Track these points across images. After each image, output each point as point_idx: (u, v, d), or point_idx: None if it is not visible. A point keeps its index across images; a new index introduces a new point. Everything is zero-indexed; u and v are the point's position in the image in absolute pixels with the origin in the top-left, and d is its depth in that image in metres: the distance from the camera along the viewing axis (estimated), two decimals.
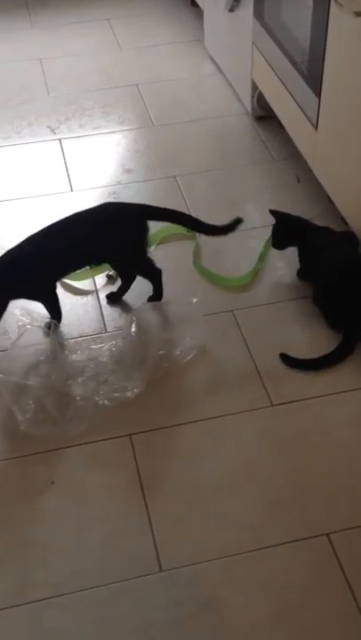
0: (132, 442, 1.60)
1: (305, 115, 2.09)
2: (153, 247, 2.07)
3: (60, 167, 2.42)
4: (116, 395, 1.66)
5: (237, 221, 1.85)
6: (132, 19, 3.24)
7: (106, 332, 1.85)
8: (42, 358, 1.73)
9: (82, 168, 2.42)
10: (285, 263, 1.99)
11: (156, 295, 1.89)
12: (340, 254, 1.84)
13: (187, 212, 2.11)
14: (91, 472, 1.56)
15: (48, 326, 1.78)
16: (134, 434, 1.61)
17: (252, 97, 2.53)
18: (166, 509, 1.48)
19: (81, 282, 1.97)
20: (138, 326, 1.76)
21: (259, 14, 2.30)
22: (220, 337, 1.83)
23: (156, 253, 2.06)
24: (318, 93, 1.96)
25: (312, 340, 1.81)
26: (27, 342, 1.75)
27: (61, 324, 1.83)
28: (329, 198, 2.09)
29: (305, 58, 2.04)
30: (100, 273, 2.00)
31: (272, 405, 1.67)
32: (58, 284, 1.84)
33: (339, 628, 1.32)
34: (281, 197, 2.24)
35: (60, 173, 2.39)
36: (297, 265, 1.96)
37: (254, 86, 2.50)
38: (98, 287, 1.98)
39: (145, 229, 1.79)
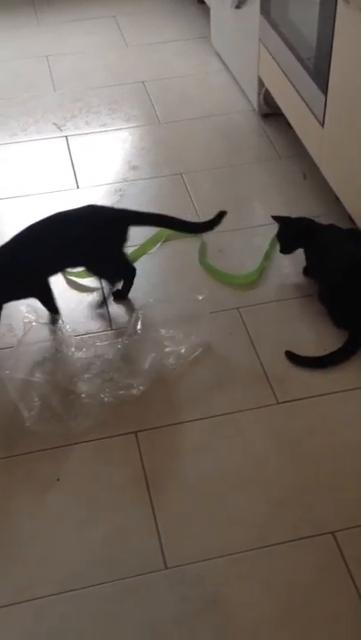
0: (138, 439, 1.60)
1: (311, 112, 2.08)
2: (158, 245, 2.07)
3: (66, 164, 2.42)
4: (122, 392, 1.66)
5: (221, 214, 1.87)
6: (138, 16, 3.24)
7: (111, 329, 1.85)
8: (47, 355, 1.73)
9: (88, 165, 2.42)
10: (291, 261, 1.99)
11: (124, 292, 1.90)
12: (344, 253, 1.83)
13: (189, 210, 2.12)
14: (96, 469, 1.56)
15: (53, 322, 1.78)
16: (140, 431, 1.61)
17: (259, 94, 2.53)
18: (172, 507, 1.48)
19: (87, 279, 1.97)
20: (143, 324, 1.76)
21: (265, 11, 2.30)
22: (225, 334, 1.83)
23: (162, 251, 2.07)
24: (325, 90, 1.96)
25: (318, 337, 1.80)
26: (32, 339, 1.75)
27: (67, 322, 1.83)
28: (335, 196, 2.08)
29: (312, 54, 2.03)
30: None
31: (278, 403, 1.67)
32: (63, 281, 1.85)
33: (344, 626, 1.31)
34: (287, 195, 2.24)
35: (67, 170, 2.39)
36: (303, 263, 1.96)
37: (261, 83, 2.49)
38: (104, 284, 1.97)
39: (125, 234, 1.80)
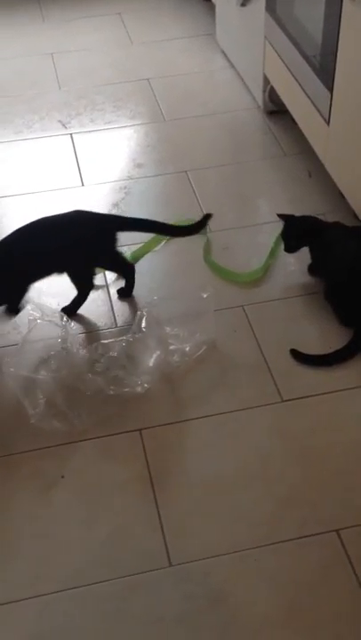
0: (142, 437, 1.60)
1: (317, 109, 2.08)
2: (163, 243, 2.07)
3: (71, 162, 2.42)
4: (126, 390, 1.66)
5: (207, 217, 1.89)
6: (143, 13, 3.24)
7: (116, 326, 1.85)
8: (52, 353, 1.73)
9: (93, 162, 2.42)
10: (297, 259, 1.99)
11: (73, 308, 1.88)
12: (349, 252, 1.83)
13: (194, 208, 2.11)
14: (101, 466, 1.56)
15: (61, 317, 1.78)
16: (144, 429, 1.61)
17: (264, 91, 2.52)
18: (176, 504, 1.48)
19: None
20: (148, 321, 1.76)
21: (271, 8, 2.29)
22: (230, 332, 1.82)
23: (166, 249, 2.07)
24: (330, 88, 1.95)
25: (323, 335, 1.80)
26: (37, 337, 1.75)
27: (72, 319, 1.83)
28: (341, 193, 2.08)
29: (317, 52, 2.03)
30: None
31: (283, 401, 1.67)
32: (67, 278, 1.84)
33: (348, 624, 1.31)
34: (292, 192, 2.24)
35: (72, 168, 2.39)
36: (308, 260, 1.95)
37: (266, 80, 2.49)
38: (109, 282, 1.98)
39: (113, 238, 1.79)
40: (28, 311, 1.79)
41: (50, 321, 1.78)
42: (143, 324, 1.76)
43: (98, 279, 1.97)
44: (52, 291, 1.87)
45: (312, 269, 1.96)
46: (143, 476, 1.53)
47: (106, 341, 1.78)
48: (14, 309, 1.81)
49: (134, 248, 2.05)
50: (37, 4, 3.33)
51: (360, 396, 1.67)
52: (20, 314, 1.82)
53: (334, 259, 1.85)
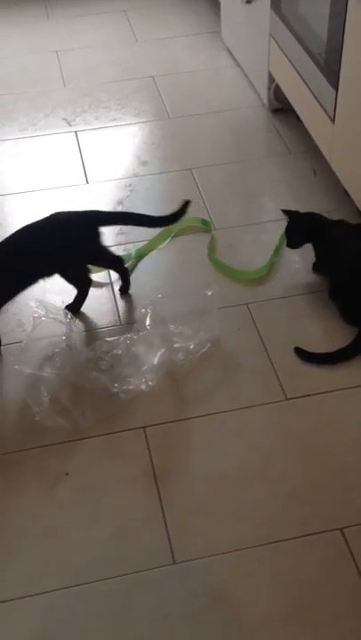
0: (147, 434, 1.60)
1: (322, 107, 2.07)
2: (167, 241, 2.07)
3: (75, 159, 2.42)
4: (131, 387, 1.66)
5: (186, 203, 1.86)
6: (148, 10, 3.23)
7: (120, 324, 1.86)
8: (56, 350, 1.73)
9: (97, 160, 2.41)
10: (301, 257, 1.98)
11: (76, 306, 1.87)
12: (352, 251, 1.82)
13: (199, 206, 2.11)
14: (105, 464, 1.56)
15: (65, 315, 1.78)
16: (148, 426, 1.62)
17: (269, 89, 2.52)
18: (180, 502, 1.49)
19: (96, 274, 1.98)
20: (152, 319, 1.76)
21: (276, 6, 2.29)
22: (234, 330, 1.82)
23: (170, 247, 2.07)
24: (336, 85, 1.95)
25: (327, 334, 1.80)
26: (41, 334, 1.75)
27: (77, 317, 1.83)
28: (346, 191, 2.08)
29: (322, 49, 2.02)
30: None
31: (287, 399, 1.66)
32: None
33: (352, 623, 1.31)
34: (297, 190, 2.23)
35: (76, 165, 2.39)
36: (313, 258, 1.95)
37: (271, 78, 2.48)
38: (113, 280, 1.98)
39: (97, 235, 1.78)
40: (33, 309, 1.79)
41: (54, 319, 1.79)
42: (147, 322, 1.76)
43: (102, 277, 1.98)
44: (57, 288, 1.87)
45: (316, 267, 1.95)
46: (147, 474, 1.53)
47: (110, 339, 1.78)
48: None
49: (139, 245, 2.05)
50: (42, 1, 3.33)
51: None
52: (24, 311, 1.82)
53: (338, 257, 1.84)
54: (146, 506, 1.48)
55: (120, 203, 2.22)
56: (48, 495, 1.52)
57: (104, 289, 1.95)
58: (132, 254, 2.03)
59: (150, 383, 1.67)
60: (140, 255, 2.03)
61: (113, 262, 1.91)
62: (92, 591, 1.36)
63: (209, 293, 1.81)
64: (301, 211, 1.96)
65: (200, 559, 1.39)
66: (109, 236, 2.08)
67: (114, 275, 1.98)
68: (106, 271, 1.99)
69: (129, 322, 1.86)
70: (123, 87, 2.76)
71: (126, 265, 1.99)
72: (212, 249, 2.04)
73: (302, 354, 1.75)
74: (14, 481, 1.54)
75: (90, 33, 3.10)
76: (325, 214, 1.97)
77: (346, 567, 1.38)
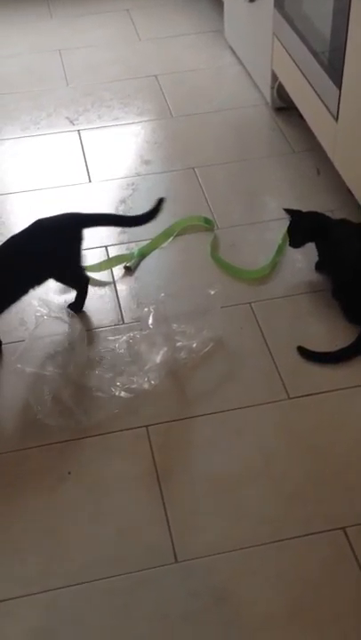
0: (149, 433, 1.60)
1: (325, 106, 2.07)
2: (170, 240, 2.07)
3: (78, 158, 2.42)
4: (133, 386, 1.66)
5: (160, 201, 1.85)
6: (151, 9, 3.23)
7: (123, 323, 1.86)
8: (59, 349, 1.74)
9: (100, 159, 2.41)
10: (304, 256, 1.98)
11: (78, 305, 1.86)
12: (354, 250, 1.82)
13: (202, 205, 2.10)
14: (107, 462, 1.56)
15: (68, 313, 1.78)
16: (151, 425, 1.62)
17: (272, 88, 2.52)
18: (182, 501, 1.49)
19: (99, 273, 1.98)
20: (155, 318, 1.76)
21: (279, 4, 2.29)
22: (237, 329, 1.82)
23: (173, 245, 2.07)
24: (339, 84, 1.94)
25: (330, 333, 1.80)
26: (44, 333, 1.76)
27: (79, 316, 1.83)
28: (349, 190, 2.07)
29: (326, 48, 2.02)
30: (117, 264, 2.00)
31: (289, 398, 1.66)
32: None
33: (354, 622, 1.31)
34: (300, 189, 2.23)
35: (79, 164, 2.39)
36: (315, 257, 1.95)
37: (274, 77, 2.48)
38: (116, 278, 1.98)
39: (78, 239, 1.77)
40: (35, 307, 1.79)
41: (56, 317, 1.79)
42: (150, 321, 1.76)
43: (105, 276, 1.98)
44: (59, 287, 1.87)
45: (319, 267, 1.95)
46: (149, 473, 1.53)
47: (112, 338, 1.78)
48: None
49: (142, 244, 2.05)
50: (45, 0, 3.33)
51: None
52: (26, 309, 1.82)
53: (341, 257, 1.84)
54: (148, 504, 1.48)
55: (123, 201, 2.22)
56: (50, 494, 1.52)
57: (106, 288, 1.95)
58: (135, 253, 2.02)
59: (153, 382, 1.67)
60: (143, 254, 2.03)
61: (81, 278, 1.87)
62: (94, 590, 1.36)
63: (212, 292, 1.81)
64: (305, 210, 1.95)
65: (202, 558, 1.39)
66: (112, 235, 2.09)
67: (117, 273, 1.99)
68: (108, 270, 1.99)
69: (132, 321, 1.85)
70: (125, 86, 2.76)
71: (129, 264, 1.99)
72: (214, 248, 2.04)
73: (305, 353, 1.75)
74: (16, 480, 1.54)
75: (93, 32, 3.10)
76: (329, 213, 1.97)
77: (348, 566, 1.37)
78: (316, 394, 1.67)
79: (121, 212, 2.16)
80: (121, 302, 1.91)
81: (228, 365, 1.75)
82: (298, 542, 1.41)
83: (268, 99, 2.57)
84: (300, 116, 2.36)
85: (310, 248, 1.93)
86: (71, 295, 1.87)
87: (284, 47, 2.32)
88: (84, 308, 1.88)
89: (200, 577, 1.37)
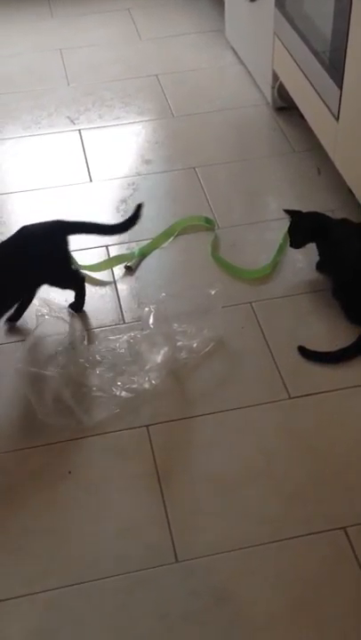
0: (150, 433, 1.60)
1: (326, 105, 2.07)
2: (171, 239, 2.07)
3: (79, 158, 2.42)
4: (134, 386, 1.66)
5: (139, 207, 1.84)
6: (152, 8, 3.23)
7: (124, 323, 1.86)
8: (60, 349, 1.73)
9: (101, 159, 2.41)
10: (305, 255, 1.98)
11: (78, 304, 1.86)
12: (354, 251, 1.82)
13: (203, 204, 2.11)
14: (108, 462, 1.56)
15: (69, 313, 1.78)
16: (152, 425, 1.62)
17: (273, 87, 2.51)
18: (183, 500, 1.49)
19: (99, 273, 1.98)
20: (156, 318, 1.76)
21: (280, 4, 2.29)
22: (238, 329, 1.82)
23: (174, 245, 2.07)
24: (340, 84, 1.94)
25: (331, 332, 1.80)
26: (45, 332, 1.76)
27: (80, 315, 1.83)
28: (350, 190, 2.07)
29: (327, 48, 2.02)
30: (118, 264, 2.00)
31: (290, 398, 1.66)
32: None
33: (354, 622, 1.31)
34: (301, 189, 2.23)
35: (80, 164, 2.39)
36: (316, 257, 1.95)
37: (275, 77, 2.48)
38: (116, 278, 1.98)
39: (66, 244, 1.76)
40: (36, 307, 1.79)
41: (57, 317, 1.79)
42: (151, 321, 1.76)
43: (106, 276, 1.98)
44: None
45: (320, 266, 1.95)
46: (150, 472, 1.53)
47: (113, 337, 1.78)
48: None
49: (142, 244, 2.05)
50: (46, 0, 3.33)
51: None
52: (28, 309, 1.82)
53: (341, 257, 1.84)
54: (149, 504, 1.48)
55: (123, 201, 2.22)
56: (51, 493, 1.52)
57: (107, 287, 1.95)
58: (136, 253, 2.02)
59: (154, 382, 1.67)
60: (144, 254, 2.03)
61: (75, 278, 1.86)
62: (94, 589, 1.36)
63: (212, 292, 1.81)
64: (305, 209, 1.95)
65: (202, 558, 1.39)
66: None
67: (118, 273, 1.99)
68: (108, 270, 1.99)
69: (132, 320, 1.85)
70: (126, 86, 2.76)
71: (129, 264, 1.99)
72: (215, 247, 2.04)
73: (305, 352, 1.75)
74: (17, 479, 1.54)
75: (94, 31, 3.10)
76: (329, 213, 1.97)
77: (349, 566, 1.37)
78: (317, 394, 1.67)
79: (122, 212, 2.16)
80: (122, 302, 1.91)
81: (228, 365, 1.75)
82: (298, 542, 1.41)
83: (269, 98, 2.57)
84: (301, 116, 2.36)
85: (311, 248, 1.93)
86: (71, 295, 1.87)
87: (285, 47, 2.31)
88: (85, 308, 1.88)
89: (200, 577, 1.37)
